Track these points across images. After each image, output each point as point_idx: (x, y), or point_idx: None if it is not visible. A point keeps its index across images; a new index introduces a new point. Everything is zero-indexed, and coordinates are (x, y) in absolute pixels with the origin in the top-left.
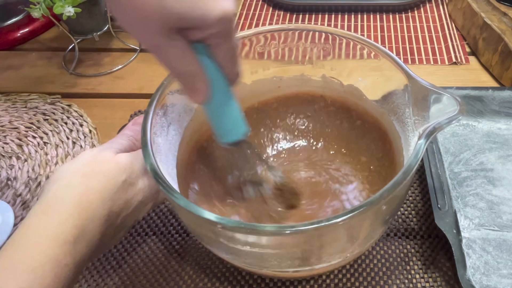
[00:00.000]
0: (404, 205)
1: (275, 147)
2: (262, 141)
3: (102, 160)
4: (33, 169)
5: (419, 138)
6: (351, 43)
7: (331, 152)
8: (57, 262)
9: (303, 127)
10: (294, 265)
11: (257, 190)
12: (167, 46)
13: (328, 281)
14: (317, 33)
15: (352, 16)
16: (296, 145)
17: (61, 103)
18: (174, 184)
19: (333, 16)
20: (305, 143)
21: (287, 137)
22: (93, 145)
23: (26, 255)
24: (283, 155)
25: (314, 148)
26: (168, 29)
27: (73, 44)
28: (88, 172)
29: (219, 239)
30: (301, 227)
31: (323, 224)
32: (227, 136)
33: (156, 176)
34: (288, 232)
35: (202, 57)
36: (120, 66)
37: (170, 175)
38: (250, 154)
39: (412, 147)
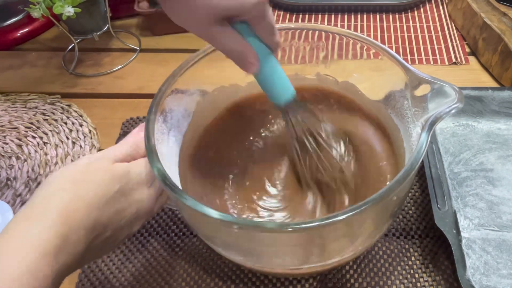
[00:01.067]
0: (404, 205)
1: (274, 147)
2: (260, 143)
3: (96, 168)
4: (32, 169)
5: (421, 131)
6: (351, 41)
7: (332, 149)
8: (36, 274)
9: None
10: (309, 261)
11: (318, 141)
12: (219, 34)
13: (332, 278)
14: (316, 32)
15: (352, 16)
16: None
17: (61, 103)
18: None
19: (333, 16)
20: (303, 143)
21: (284, 137)
22: (92, 145)
23: (5, 264)
24: (282, 154)
25: (312, 147)
26: (217, 20)
27: (73, 44)
28: (79, 180)
29: (233, 240)
30: (318, 222)
31: (340, 217)
32: (280, 98)
33: (165, 179)
34: (303, 228)
35: (248, 35)
36: (119, 66)
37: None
38: (303, 111)
39: (414, 138)
